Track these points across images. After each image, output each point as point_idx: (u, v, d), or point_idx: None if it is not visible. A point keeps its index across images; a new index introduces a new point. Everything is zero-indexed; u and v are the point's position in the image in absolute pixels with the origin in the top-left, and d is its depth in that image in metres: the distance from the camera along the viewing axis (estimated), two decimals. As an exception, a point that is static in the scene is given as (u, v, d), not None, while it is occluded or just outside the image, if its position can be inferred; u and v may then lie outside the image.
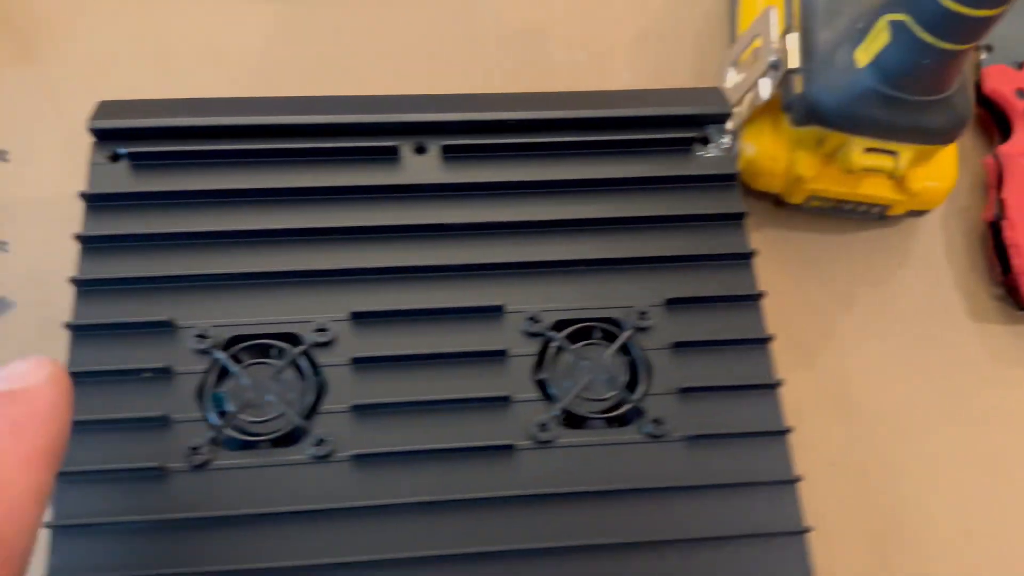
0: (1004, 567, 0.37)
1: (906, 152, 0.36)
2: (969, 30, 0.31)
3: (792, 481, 0.29)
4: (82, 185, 0.40)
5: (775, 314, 0.37)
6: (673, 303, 0.32)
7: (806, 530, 0.29)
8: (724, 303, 0.32)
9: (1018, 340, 0.40)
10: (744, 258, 0.32)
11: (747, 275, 0.32)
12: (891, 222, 0.42)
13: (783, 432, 0.30)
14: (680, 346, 0.31)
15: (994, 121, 0.44)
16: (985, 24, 0.31)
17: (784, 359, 0.38)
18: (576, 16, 0.46)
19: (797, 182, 0.39)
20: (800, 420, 0.37)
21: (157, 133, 0.32)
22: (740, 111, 0.39)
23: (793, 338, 0.39)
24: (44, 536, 0.28)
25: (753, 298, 0.32)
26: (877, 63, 0.34)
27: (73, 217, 0.40)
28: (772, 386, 0.31)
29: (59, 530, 0.28)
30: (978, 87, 0.44)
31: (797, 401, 0.37)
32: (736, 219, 0.33)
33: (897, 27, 0.32)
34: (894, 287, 0.41)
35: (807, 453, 0.37)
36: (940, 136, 0.36)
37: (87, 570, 0.27)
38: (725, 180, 0.33)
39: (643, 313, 0.31)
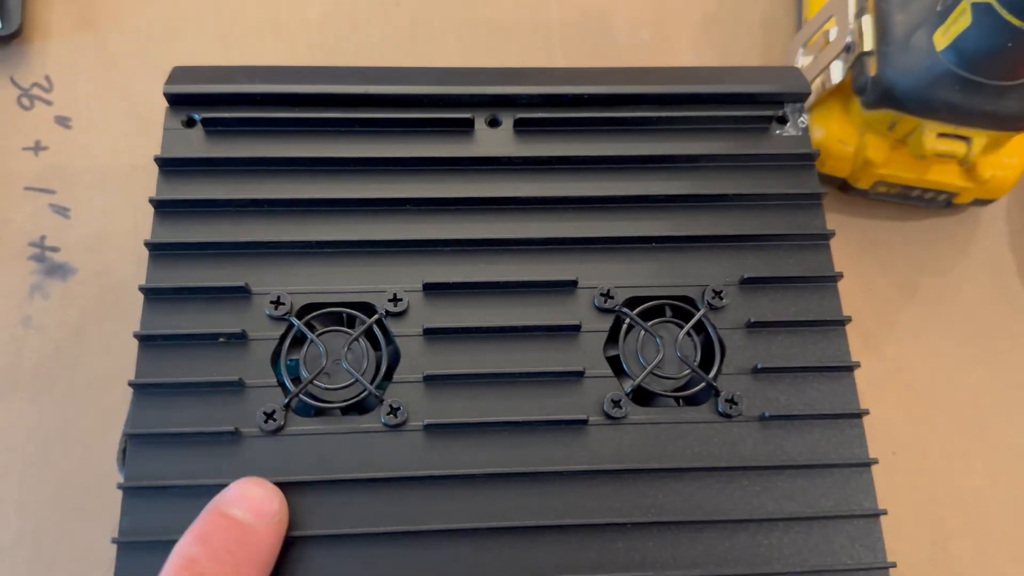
0: (1067, 560, 0.36)
1: (979, 138, 0.36)
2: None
3: (867, 464, 0.29)
4: (142, 154, 0.40)
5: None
6: (748, 282, 0.31)
7: (880, 513, 0.29)
8: (800, 284, 0.31)
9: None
10: (822, 239, 0.32)
11: (824, 256, 0.32)
12: (956, 211, 0.41)
13: (859, 415, 0.30)
14: (755, 326, 0.31)
15: (1062, 111, 0.43)
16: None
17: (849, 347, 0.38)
18: (640, -3, 0.45)
19: (865, 166, 0.38)
20: (863, 406, 0.37)
21: (231, 99, 0.32)
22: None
23: (855, 325, 0.39)
24: (116, 497, 0.28)
25: (830, 279, 0.32)
26: (956, 46, 0.33)
27: (133, 185, 0.41)
28: (848, 368, 0.30)
29: (131, 492, 0.28)
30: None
31: (861, 389, 0.37)
32: (814, 199, 0.33)
33: (981, 9, 0.32)
34: (957, 276, 0.40)
35: (871, 440, 0.37)
36: (1017, 122, 0.35)
37: (158, 532, 0.27)
38: (803, 160, 0.33)
39: (718, 292, 0.31)
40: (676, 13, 0.45)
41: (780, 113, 0.34)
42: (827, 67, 0.37)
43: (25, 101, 0.42)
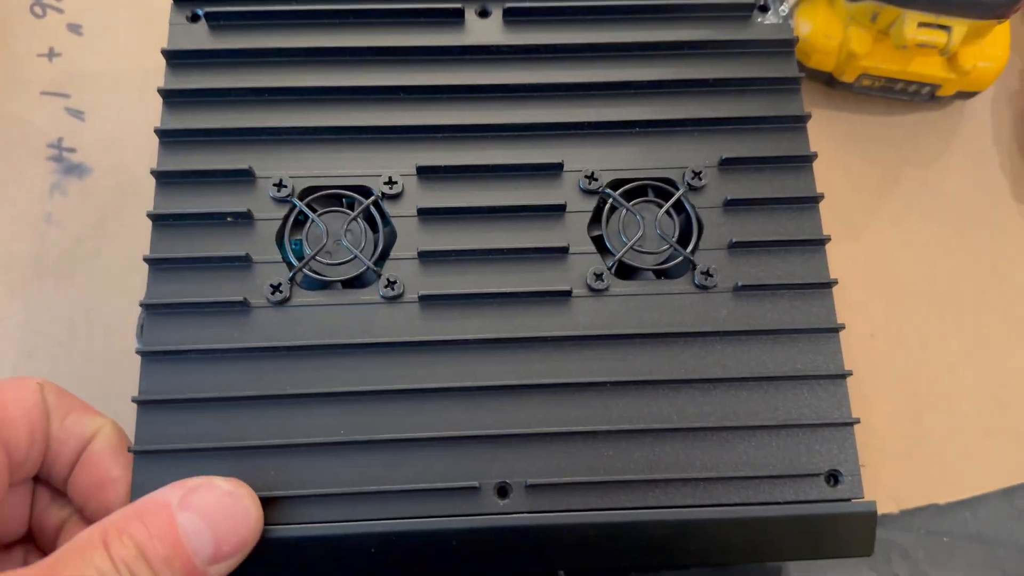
0: (1033, 432, 0.38)
1: (959, 27, 0.36)
2: None
3: (835, 329, 0.31)
4: (151, 56, 0.41)
5: (822, 190, 0.39)
6: (726, 164, 0.33)
7: (846, 374, 0.30)
8: (776, 164, 0.33)
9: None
10: (799, 121, 0.33)
11: (801, 138, 0.33)
12: (940, 104, 0.42)
13: (828, 285, 0.32)
14: (731, 204, 0.32)
15: (1051, 5, 0.44)
16: None
17: (831, 232, 0.39)
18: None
19: (850, 59, 0.39)
20: (843, 291, 0.39)
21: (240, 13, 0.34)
22: (796, -12, 0.39)
23: (840, 214, 0.40)
24: (135, 370, 0.30)
25: (805, 159, 0.33)
26: (937, -68, 0.34)
27: (143, 87, 0.42)
28: (820, 242, 0.32)
29: (148, 356, 0.30)
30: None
31: (841, 273, 0.39)
32: (792, 84, 0.34)
33: None
34: (941, 168, 0.42)
35: (849, 322, 0.38)
36: (995, 10, 0.36)
37: (174, 392, 0.29)
38: (783, 46, 0.34)
39: (697, 173, 0.33)
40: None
41: (762, 2, 0.35)
42: (813, -41, 0.38)
43: (38, 10, 0.43)
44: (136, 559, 0.25)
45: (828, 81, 0.41)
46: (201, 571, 0.26)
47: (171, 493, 0.27)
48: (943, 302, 0.40)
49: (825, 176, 0.40)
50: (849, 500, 0.29)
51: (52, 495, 0.31)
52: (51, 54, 0.43)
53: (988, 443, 0.38)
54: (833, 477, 0.29)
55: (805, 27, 0.39)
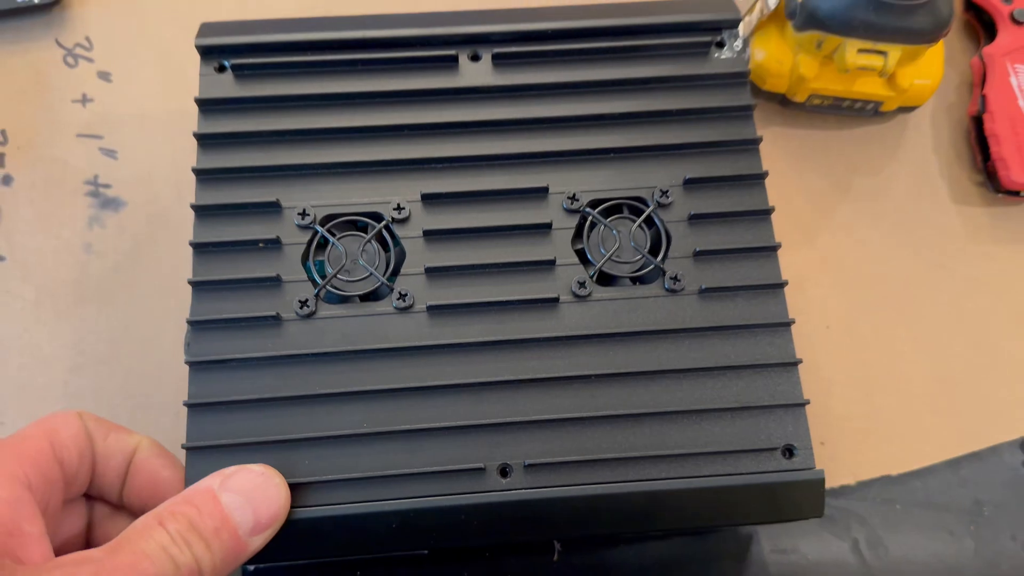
0: (974, 405, 0.43)
1: (894, 52, 0.41)
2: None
3: (786, 324, 0.36)
4: (175, 99, 0.47)
5: (781, 200, 0.43)
6: (690, 183, 0.38)
7: (797, 362, 0.35)
8: (734, 182, 0.38)
9: (995, 219, 0.46)
10: (752, 144, 0.38)
11: (754, 159, 0.38)
12: (884, 118, 0.47)
13: (780, 285, 0.36)
14: (695, 218, 0.37)
15: (981, 25, 0.49)
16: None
17: (789, 238, 0.44)
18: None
19: (800, 82, 0.44)
20: (802, 289, 0.44)
21: (252, 48, 0.38)
22: (751, 20, 0.44)
23: (798, 220, 0.45)
24: (174, 384, 0.35)
25: (759, 177, 0.38)
26: (868, -27, 0.39)
27: (170, 126, 0.47)
28: (772, 248, 0.37)
29: (195, 366, 0.35)
30: (967, -6, 0.49)
31: (800, 274, 0.44)
32: (746, 111, 0.39)
33: (885, -59, 0.38)
34: (887, 176, 0.47)
35: (807, 316, 0.44)
36: (925, 36, 0.41)
37: (219, 395, 0.34)
38: (737, 78, 0.39)
39: (665, 192, 0.37)
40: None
41: (719, 39, 0.39)
42: (763, -4, 0.43)
43: (70, 60, 0.48)
44: (190, 531, 0.29)
45: (782, 101, 0.46)
46: (244, 541, 0.31)
47: (212, 480, 0.31)
48: (892, 296, 0.44)
49: (783, 187, 0.45)
50: (802, 470, 0.34)
51: (108, 511, 0.35)
52: (84, 100, 0.47)
53: (934, 420, 0.43)
54: (788, 451, 0.34)
55: (760, 54, 0.44)
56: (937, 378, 0.43)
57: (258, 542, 0.31)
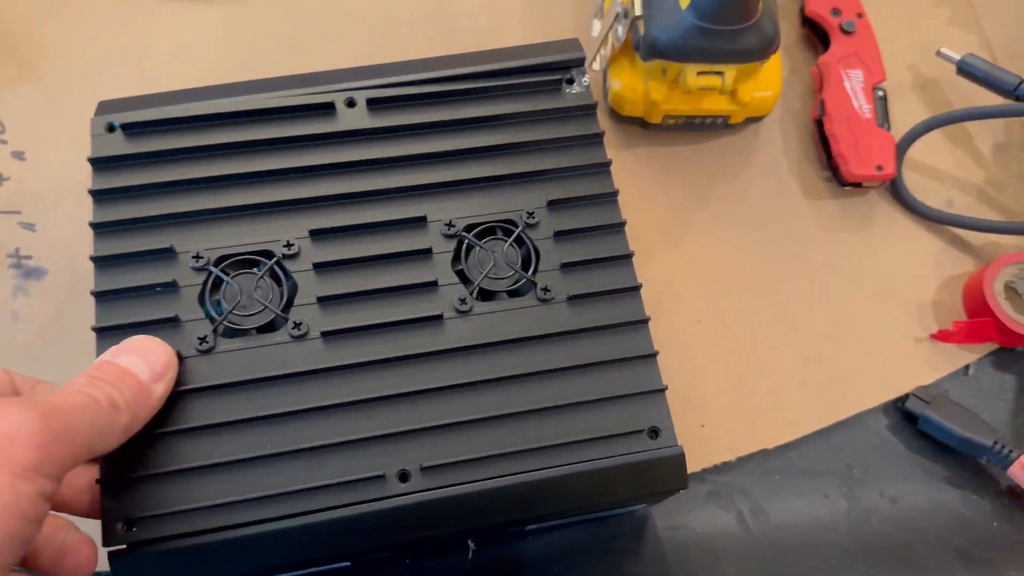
0: (839, 379, 0.48)
1: (730, 71, 0.46)
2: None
3: (643, 321, 0.40)
4: (85, 171, 0.49)
5: (649, 212, 0.48)
6: (553, 204, 0.42)
7: (654, 354, 0.39)
8: (591, 201, 0.42)
9: (842, 210, 0.51)
10: (604, 167, 0.43)
11: (607, 180, 0.42)
12: (735, 129, 0.52)
13: (636, 288, 0.41)
14: (559, 235, 0.41)
15: (817, 37, 0.54)
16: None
17: (658, 245, 0.49)
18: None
19: (653, 106, 0.49)
20: (672, 289, 0.48)
21: (148, 124, 0.42)
22: (605, 53, 0.49)
23: (665, 229, 0.50)
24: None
25: (611, 196, 0.42)
26: (694, 4, 0.44)
27: (84, 196, 0.49)
28: (627, 256, 0.41)
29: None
30: (802, 10, 0.54)
31: (670, 276, 0.48)
32: (596, 138, 0.43)
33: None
34: (743, 180, 0.52)
35: (678, 315, 0.48)
36: (754, 55, 0.46)
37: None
38: (586, 110, 0.44)
39: (531, 213, 0.42)
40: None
41: (568, 76, 0.44)
42: (611, 30, 0.48)
43: (-18, 142, 0.51)
44: (98, 379, 0.33)
45: (642, 124, 0.51)
46: (148, 387, 0.35)
47: (104, 355, 0.36)
48: (753, 287, 0.49)
49: (649, 199, 0.50)
50: (666, 447, 0.38)
51: None
52: (0, 179, 0.50)
53: (803, 395, 0.47)
54: (654, 432, 0.38)
55: (616, 84, 0.49)
56: (803, 357, 0.48)
57: (160, 389, 0.36)
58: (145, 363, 0.35)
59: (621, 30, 0.47)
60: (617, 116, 0.50)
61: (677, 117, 0.50)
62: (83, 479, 0.37)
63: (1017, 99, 0.50)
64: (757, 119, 0.51)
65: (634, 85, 0.49)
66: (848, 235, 0.51)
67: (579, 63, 0.44)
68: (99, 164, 0.41)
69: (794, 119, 0.53)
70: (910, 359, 0.48)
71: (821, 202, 0.51)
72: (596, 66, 0.50)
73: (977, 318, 0.49)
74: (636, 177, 0.49)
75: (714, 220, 0.50)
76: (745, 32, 0.45)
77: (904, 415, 0.48)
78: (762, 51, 0.46)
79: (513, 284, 0.41)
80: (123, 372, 0.35)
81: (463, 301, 0.40)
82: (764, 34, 0.46)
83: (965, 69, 0.52)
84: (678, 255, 0.49)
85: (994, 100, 0.52)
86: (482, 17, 0.54)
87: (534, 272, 0.41)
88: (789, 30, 0.55)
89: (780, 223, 0.51)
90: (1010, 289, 0.49)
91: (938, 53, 0.53)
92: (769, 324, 0.48)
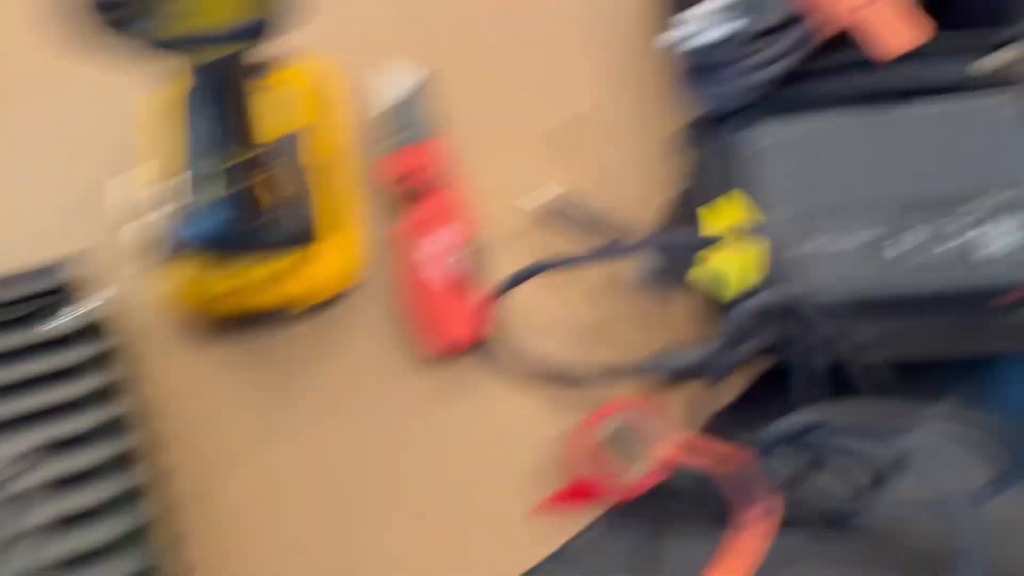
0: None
1: (256, 269, 0.44)
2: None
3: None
4: None
5: (223, 420, 0.44)
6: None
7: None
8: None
9: (438, 383, 0.48)
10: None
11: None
12: (316, 314, 0.49)
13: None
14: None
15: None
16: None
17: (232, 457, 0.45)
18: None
19: (212, 303, 0.46)
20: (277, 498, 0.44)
21: None
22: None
23: (240, 437, 0.46)
24: None
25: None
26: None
27: None
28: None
29: None
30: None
31: (263, 487, 0.45)
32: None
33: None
34: (328, 370, 0.48)
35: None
36: (282, 247, 0.44)
37: None
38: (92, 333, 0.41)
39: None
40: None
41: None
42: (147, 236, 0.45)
43: None
44: None
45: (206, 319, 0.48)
46: None
47: None
48: (349, 485, 0.46)
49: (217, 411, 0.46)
50: None
51: None
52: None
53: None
54: None
55: (170, 280, 0.46)
56: (412, 514, 0.45)
57: None
58: None
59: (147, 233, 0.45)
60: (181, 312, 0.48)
61: (241, 311, 0.47)
62: None
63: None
64: (330, 302, 0.48)
65: (189, 279, 0.46)
66: (444, 409, 0.48)
67: (55, 292, 0.41)
68: None
69: (381, 292, 0.50)
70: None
71: (408, 379, 0.48)
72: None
73: (580, 480, 0.46)
74: (200, 387, 0.46)
75: (311, 413, 0.47)
76: (264, 229, 0.43)
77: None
78: (289, 243, 0.44)
79: None
80: None
81: None
82: (289, 226, 0.44)
83: (553, 216, 0.51)
84: (261, 465, 0.46)
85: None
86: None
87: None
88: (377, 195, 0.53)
89: (367, 409, 0.47)
90: (614, 441, 0.46)
91: (520, 205, 0.52)
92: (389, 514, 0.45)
